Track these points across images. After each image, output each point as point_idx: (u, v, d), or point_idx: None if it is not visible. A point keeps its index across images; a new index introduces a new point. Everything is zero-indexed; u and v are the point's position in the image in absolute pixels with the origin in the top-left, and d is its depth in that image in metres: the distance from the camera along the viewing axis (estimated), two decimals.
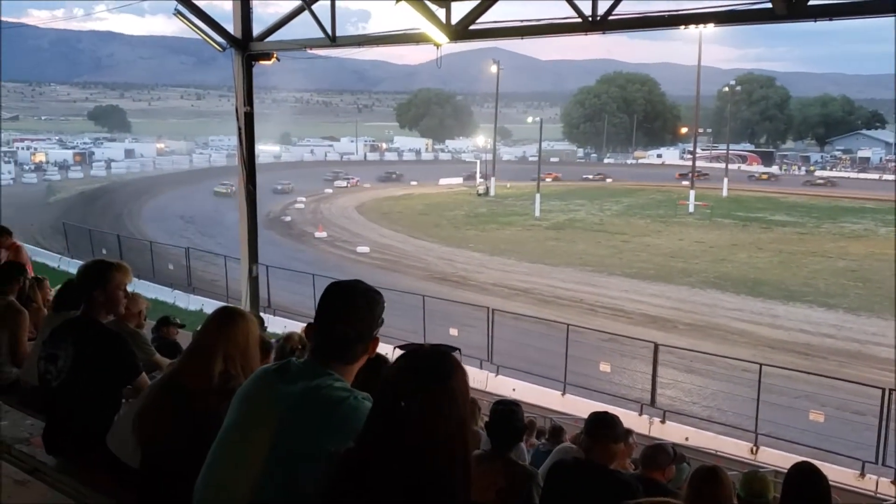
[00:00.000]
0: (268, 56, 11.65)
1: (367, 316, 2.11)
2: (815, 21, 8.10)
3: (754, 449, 14.98)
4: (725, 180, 66.59)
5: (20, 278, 5.30)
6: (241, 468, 2.03)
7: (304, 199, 63.21)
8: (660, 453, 4.00)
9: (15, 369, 4.80)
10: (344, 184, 74.46)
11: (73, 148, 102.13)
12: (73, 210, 53.01)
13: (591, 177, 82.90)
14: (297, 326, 20.40)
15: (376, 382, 1.81)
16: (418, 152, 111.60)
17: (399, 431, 1.65)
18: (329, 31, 10.80)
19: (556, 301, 31.13)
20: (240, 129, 11.76)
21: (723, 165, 71.30)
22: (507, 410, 4.18)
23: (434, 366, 1.71)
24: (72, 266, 29.67)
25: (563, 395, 18.05)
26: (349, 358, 2.11)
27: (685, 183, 62.81)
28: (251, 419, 2.09)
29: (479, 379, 18.58)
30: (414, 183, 78.85)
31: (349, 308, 2.10)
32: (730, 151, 77.03)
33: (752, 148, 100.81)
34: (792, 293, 32.68)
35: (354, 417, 1.94)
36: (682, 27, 9.27)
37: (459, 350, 1.81)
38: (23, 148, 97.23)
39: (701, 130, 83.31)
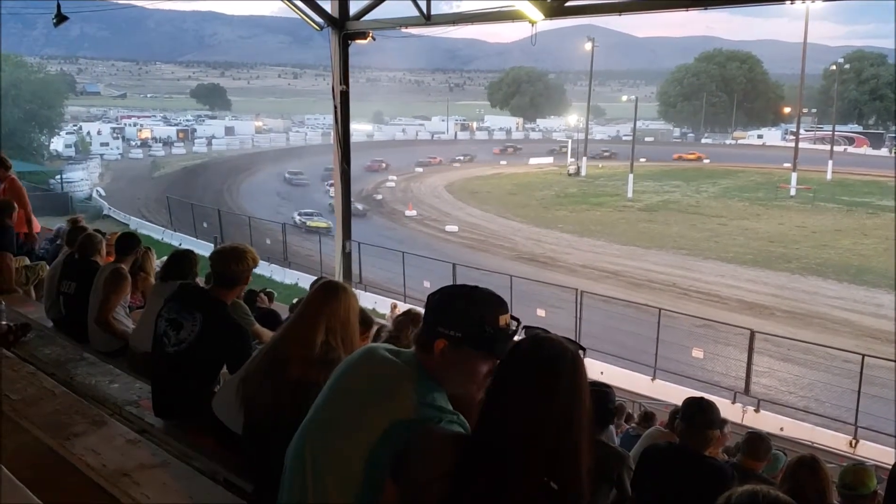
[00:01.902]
0: (364, 35, 11.77)
1: (443, 307, 2.01)
2: None
3: (853, 442, 14.45)
4: (830, 163, 63.55)
5: (137, 250, 5.56)
6: (327, 438, 2.06)
7: (395, 177, 63.83)
8: (759, 442, 3.90)
9: (126, 329, 5.04)
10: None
11: (177, 125, 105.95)
12: (175, 185, 55.21)
13: (685, 155, 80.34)
14: (387, 302, 20.79)
15: None
16: (509, 131, 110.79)
17: (508, 413, 1.66)
18: (424, 10, 10.84)
19: (647, 285, 30.58)
20: (336, 107, 11.94)
21: (828, 147, 68.12)
22: (598, 392, 4.17)
23: (553, 354, 1.69)
24: (174, 238, 30.99)
25: (653, 380, 17.81)
26: (423, 343, 2.02)
27: (787, 165, 60.22)
28: (339, 392, 2.12)
29: None
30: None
31: (433, 300, 2.07)
32: (836, 133, 73.42)
33: (860, 129, 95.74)
34: None
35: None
36: (789, 2, 8.87)
37: (584, 349, 1.76)
38: (130, 125, 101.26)
39: (805, 111, 79.67)
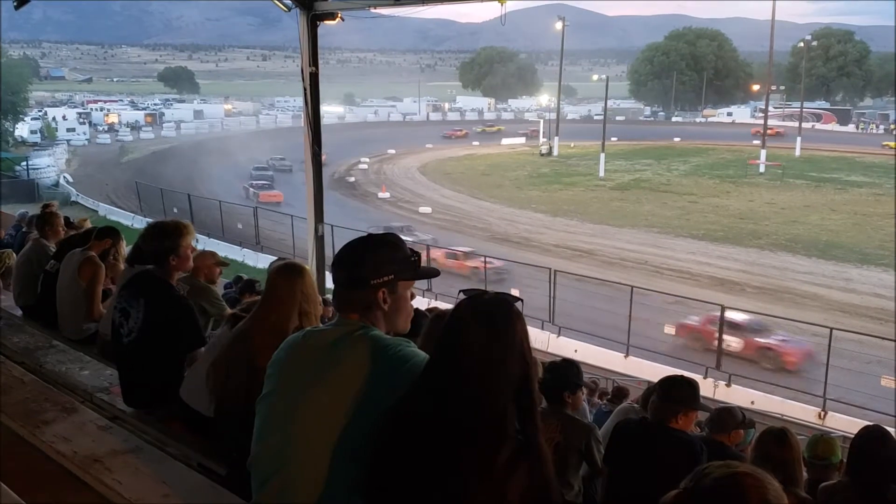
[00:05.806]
0: (332, 16, 11.60)
1: (370, 262, 2.06)
2: None
3: (822, 414, 14.72)
4: (798, 139, 64.28)
5: (107, 241, 5.43)
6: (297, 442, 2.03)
7: (367, 159, 63.39)
8: (727, 416, 3.95)
9: (93, 324, 5.00)
10: None
11: (145, 109, 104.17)
12: (145, 170, 54.29)
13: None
14: None
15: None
16: (481, 112, 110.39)
17: (459, 373, 1.73)
18: None
19: (620, 263, 30.80)
20: (305, 89, 11.81)
21: (796, 124, 68.86)
22: (559, 364, 4.24)
23: (495, 310, 1.78)
24: (144, 224, 30.63)
25: (626, 357, 17.97)
26: (364, 305, 2.06)
27: (756, 142, 60.76)
28: (292, 383, 2.10)
29: (541, 339, 18.61)
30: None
31: (348, 254, 2.11)
32: (804, 109, 74.19)
33: (827, 106, 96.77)
34: (866, 256, 31.61)
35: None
36: None
37: (522, 301, 1.85)
38: (96, 109, 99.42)
39: (774, 88, 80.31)
